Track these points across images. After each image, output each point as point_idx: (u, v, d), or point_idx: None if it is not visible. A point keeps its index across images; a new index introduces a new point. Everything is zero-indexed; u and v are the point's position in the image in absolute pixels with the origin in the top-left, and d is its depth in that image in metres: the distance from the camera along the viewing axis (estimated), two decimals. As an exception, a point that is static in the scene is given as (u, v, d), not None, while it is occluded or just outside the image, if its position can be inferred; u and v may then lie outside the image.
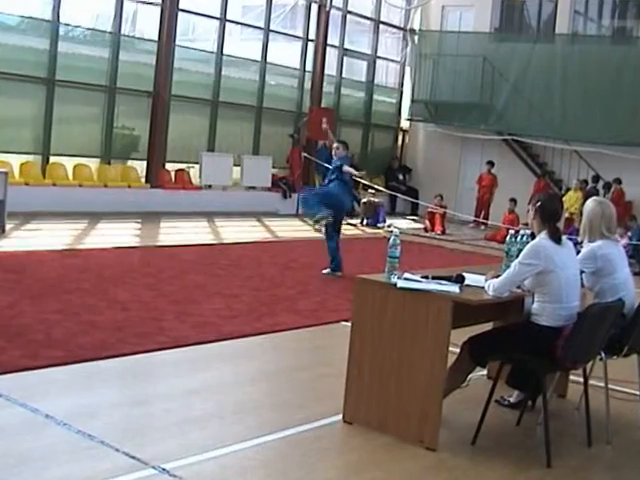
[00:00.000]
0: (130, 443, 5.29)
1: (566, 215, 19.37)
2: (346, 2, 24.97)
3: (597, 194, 18.99)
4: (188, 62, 21.45)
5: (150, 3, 19.95)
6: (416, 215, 24.93)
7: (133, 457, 5.08)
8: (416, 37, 26.71)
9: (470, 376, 6.33)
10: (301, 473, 5.19)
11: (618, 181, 20.84)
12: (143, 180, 19.99)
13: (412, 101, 26.47)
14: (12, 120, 17.97)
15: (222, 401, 6.48)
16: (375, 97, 26.86)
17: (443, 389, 5.76)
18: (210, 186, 21.07)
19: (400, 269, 6.01)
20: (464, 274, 6.04)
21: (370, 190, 22.55)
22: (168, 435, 5.60)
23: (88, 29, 19.39)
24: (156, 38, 19.97)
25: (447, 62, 25.24)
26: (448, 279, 5.94)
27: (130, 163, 20.36)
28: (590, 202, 6.62)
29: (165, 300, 9.76)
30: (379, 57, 26.77)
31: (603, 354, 6.15)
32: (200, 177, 20.88)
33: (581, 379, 6.31)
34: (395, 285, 5.79)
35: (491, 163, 23.66)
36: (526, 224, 7.81)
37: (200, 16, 21.64)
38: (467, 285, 5.93)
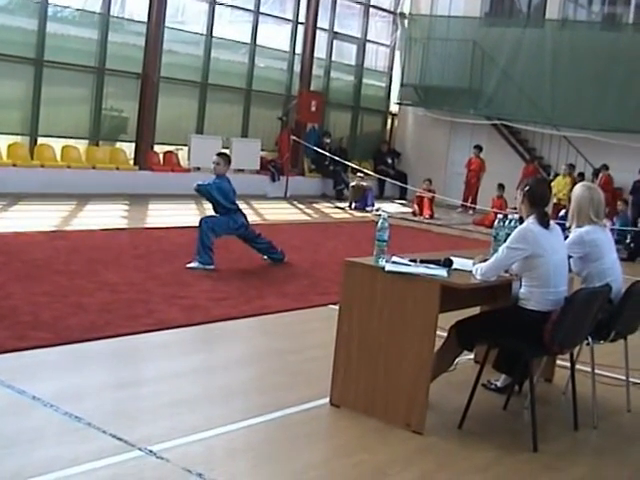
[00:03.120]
0: (117, 425, 5.29)
1: (554, 201, 19.42)
2: (336, -15, 24.92)
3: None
4: (177, 44, 21.36)
5: (139, -16, 19.86)
6: (405, 199, 24.96)
7: (120, 439, 5.08)
8: (406, 21, 26.64)
9: (457, 360, 6.35)
10: (288, 456, 5.20)
11: (605, 167, 20.88)
12: (131, 162, 19.92)
13: (402, 85, 26.43)
14: (0, 101, 17.88)
15: (210, 384, 6.49)
16: (365, 81, 26.80)
17: (430, 373, 5.78)
18: (199, 168, 20.99)
19: (388, 253, 6.02)
20: (452, 258, 6.05)
21: (359, 174, 22.55)
22: (155, 417, 5.60)
23: (77, 10, 19.24)
24: (145, 20, 19.86)
25: (437, 46, 25.19)
26: (436, 263, 5.95)
27: (119, 145, 20.28)
28: (579, 187, 6.63)
29: (154, 282, 9.75)
30: (369, 41, 26.70)
31: (590, 339, 6.18)
32: (189, 159, 20.84)
33: (568, 364, 6.34)
34: (383, 269, 5.79)
35: (479, 147, 23.67)
36: (514, 208, 7.82)
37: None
38: (455, 269, 5.94)
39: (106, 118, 19.79)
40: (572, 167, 21.57)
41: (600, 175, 20.78)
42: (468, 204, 22.93)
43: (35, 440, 5.02)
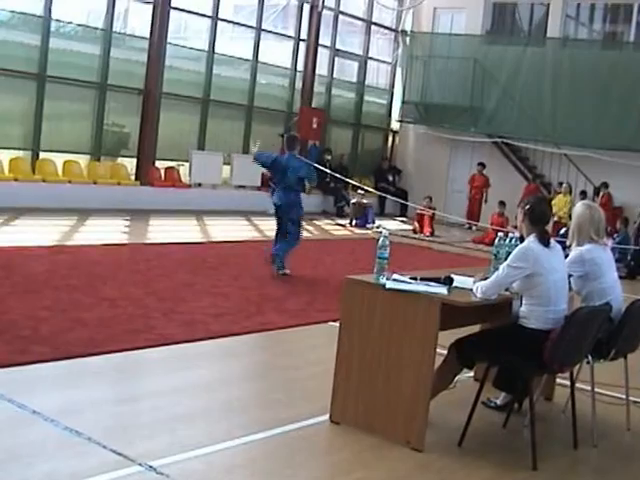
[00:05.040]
0: (117, 440, 5.29)
1: (555, 219, 19.44)
2: (338, 2, 25.03)
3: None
4: (179, 60, 21.44)
5: (142, 0, 19.91)
6: (405, 216, 24.97)
7: (120, 454, 5.08)
8: (407, 38, 26.76)
9: (457, 378, 6.34)
10: (287, 472, 5.20)
11: (605, 185, 20.90)
12: (133, 177, 19.96)
13: (403, 102, 26.50)
14: (2, 115, 17.93)
15: (210, 399, 6.48)
16: (366, 98, 26.89)
17: (430, 390, 5.78)
18: (200, 184, 21.06)
19: (389, 270, 6.02)
20: (452, 276, 6.06)
21: (359, 191, 22.57)
22: (155, 432, 5.60)
23: (80, 25, 19.35)
24: (148, 35, 19.95)
25: (438, 64, 25.26)
26: (436, 280, 5.95)
27: (120, 160, 20.34)
28: (579, 206, 6.65)
29: (154, 298, 9.75)
30: (370, 58, 26.80)
31: (590, 357, 6.18)
32: (190, 175, 20.89)
33: (568, 382, 6.34)
34: (384, 286, 5.80)
35: (482, 164, 23.79)
36: (515, 227, 7.84)
37: (192, 14, 21.60)
38: (455, 287, 5.94)
39: (108, 133, 19.84)
40: (560, 185, 21.83)
41: (601, 193, 20.80)
42: (473, 222, 22.98)
43: (35, 454, 5.01)
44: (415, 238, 20.24)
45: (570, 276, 6.24)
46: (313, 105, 24.20)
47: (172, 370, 7.30)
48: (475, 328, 6.81)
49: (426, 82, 25.40)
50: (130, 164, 20.14)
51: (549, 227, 6.36)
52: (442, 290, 5.75)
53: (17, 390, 6.04)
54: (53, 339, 7.46)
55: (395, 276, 6.00)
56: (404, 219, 24.63)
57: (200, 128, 21.72)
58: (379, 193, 24.63)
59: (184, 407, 6.19)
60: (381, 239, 6.03)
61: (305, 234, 12.81)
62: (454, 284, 5.98)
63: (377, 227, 20.78)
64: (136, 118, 19.97)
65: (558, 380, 7.20)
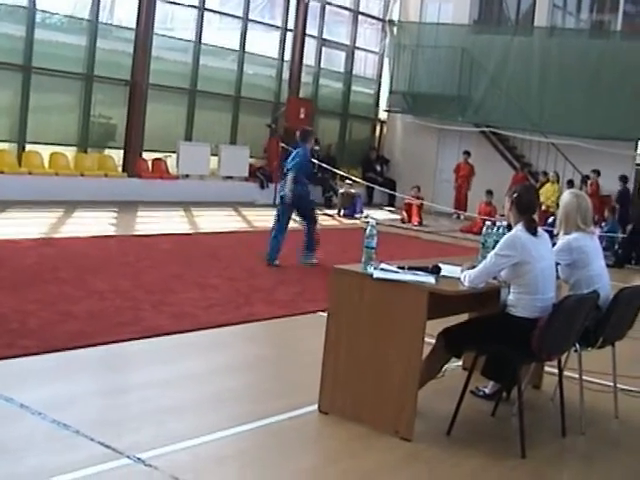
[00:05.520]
0: (105, 433, 5.28)
1: (542, 208, 19.48)
2: (325, -8, 24.97)
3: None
4: (166, 51, 21.37)
5: (128, -9, 19.85)
6: (393, 206, 24.97)
7: (108, 447, 5.07)
8: (395, 28, 26.71)
9: (445, 367, 6.35)
10: (277, 463, 5.20)
11: (598, 173, 20.85)
12: (120, 169, 19.89)
13: (390, 92, 26.49)
14: (-12, 108, 17.86)
15: (198, 391, 6.47)
16: (353, 88, 26.83)
17: (418, 380, 5.78)
18: (187, 175, 21.01)
19: (377, 260, 6.02)
20: (440, 265, 6.06)
21: (347, 181, 22.57)
22: (144, 425, 5.59)
23: (65, 16, 19.25)
24: (134, 26, 19.87)
25: (426, 53, 25.25)
26: (424, 270, 5.96)
27: (107, 152, 20.23)
28: (566, 194, 6.66)
29: (142, 290, 9.74)
30: (358, 48, 26.75)
31: (578, 345, 6.20)
32: (177, 166, 20.82)
33: (556, 370, 6.34)
34: (371, 275, 5.80)
35: (467, 153, 23.86)
36: (503, 215, 7.84)
37: (178, 5, 21.50)
38: (443, 276, 5.95)
39: (94, 125, 19.75)
40: (544, 174, 21.98)
41: (590, 180, 20.80)
42: (460, 211, 23.01)
43: (23, 448, 5.00)
44: (403, 228, 20.25)
45: (558, 264, 6.26)
46: (300, 95, 24.15)
47: (161, 362, 7.29)
48: (463, 317, 6.81)
49: (414, 72, 25.39)
50: (117, 156, 20.06)
51: (536, 216, 6.35)
52: (430, 279, 5.75)
53: (4, 384, 6.03)
54: (41, 332, 7.44)
55: (383, 265, 6.00)
56: (392, 209, 24.63)
57: (187, 119, 21.65)
58: (367, 183, 24.65)
59: (172, 399, 6.18)
60: (369, 229, 6.03)
61: (293, 224, 12.79)
62: (442, 273, 5.99)
63: (365, 217, 20.78)
64: (123, 109, 19.91)
65: (546, 368, 7.21)
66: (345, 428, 5.83)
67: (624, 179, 20.58)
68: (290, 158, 12.56)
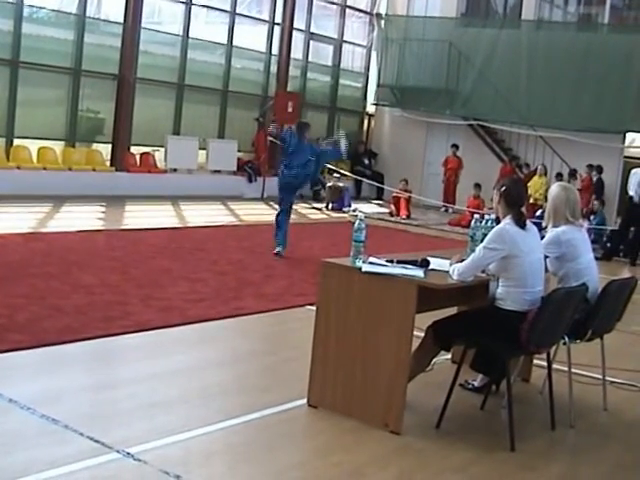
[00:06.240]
0: (94, 427, 5.27)
1: (531, 200, 19.53)
2: (313, -14, 24.93)
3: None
4: (154, 45, 21.32)
5: (115, -15, 19.79)
6: (381, 199, 25.01)
7: (97, 441, 5.06)
8: (382, 21, 26.70)
9: (434, 360, 6.36)
10: (266, 457, 5.20)
11: (599, 169, 20.74)
12: (108, 163, 19.86)
13: (378, 86, 26.49)
14: (-25, 102, 17.78)
15: (187, 385, 6.47)
16: (341, 81, 26.85)
17: (408, 373, 5.79)
18: (175, 169, 20.98)
19: (365, 253, 6.02)
20: (429, 258, 6.06)
21: (335, 174, 22.56)
22: (133, 419, 5.58)
23: (53, 10, 19.18)
24: (122, 20, 19.81)
25: (413, 47, 25.26)
26: (413, 263, 5.95)
27: (95, 146, 20.20)
28: (555, 187, 6.66)
29: (130, 284, 9.72)
30: (345, 41, 26.75)
31: (567, 338, 6.21)
32: (165, 160, 20.79)
33: (545, 363, 6.36)
34: (360, 269, 5.79)
35: (456, 146, 23.90)
36: (491, 208, 7.85)
37: (166, -1, 21.50)
38: (432, 269, 5.95)
39: (82, 119, 19.71)
40: (527, 166, 22.38)
41: (584, 175, 20.76)
42: (449, 205, 23.05)
43: (12, 443, 4.98)
44: (391, 221, 20.26)
45: (546, 257, 6.26)
46: (288, 89, 24.11)
47: (149, 356, 7.27)
48: (452, 310, 6.82)
49: (401, 65, 25.39)
50: (105, 150, 20.01)
51: (525, 209, 6.36)
52: (419, 273, 5.75)
53: (-7, 378, 6.02)
54: (29, 327, 7.42)
55: (371, 259, 6.00)
56: (380, 202, 24.66)
57: (175, 113, 21.62)
58: (355, 176, 24.66)
59: (162, 393, 6.17)
60: (357, 222, 6.03)
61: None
62: (431, 267, 5.98)
63: (353, 210, 20.80)
64: (111, 103, 19.85)
65: (535, 361, 7.23)
66: (335, 422, 5.84)
67: (599, 169, 20.57)
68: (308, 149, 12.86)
